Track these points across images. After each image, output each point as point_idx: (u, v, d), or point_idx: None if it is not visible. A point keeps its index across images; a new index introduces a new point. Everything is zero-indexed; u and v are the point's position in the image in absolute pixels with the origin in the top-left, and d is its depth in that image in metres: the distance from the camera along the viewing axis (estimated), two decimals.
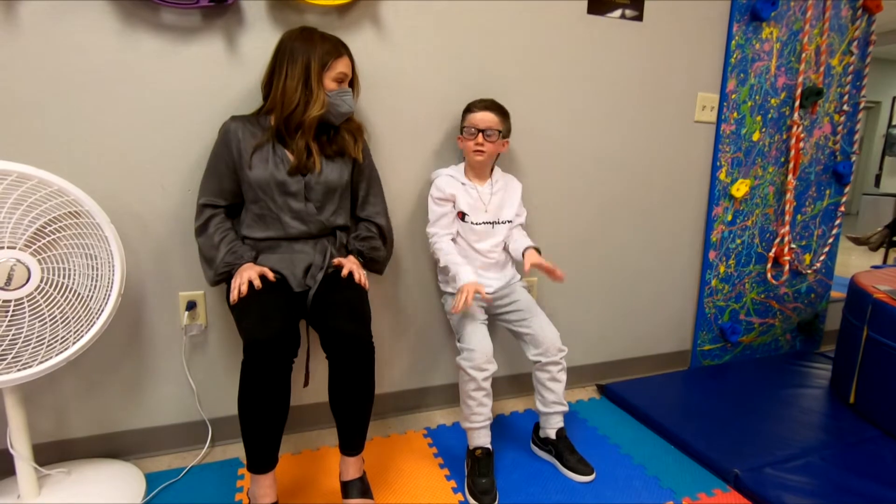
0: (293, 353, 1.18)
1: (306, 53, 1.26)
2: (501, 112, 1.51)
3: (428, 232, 1.54)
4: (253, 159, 1.28)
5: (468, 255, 1.53)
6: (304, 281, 1.32)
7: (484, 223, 1.54)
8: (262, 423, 1.16)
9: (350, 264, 1.33)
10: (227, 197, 1.34)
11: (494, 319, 1.61)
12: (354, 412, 1.25)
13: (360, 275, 1.32)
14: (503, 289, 1.57)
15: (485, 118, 1.48)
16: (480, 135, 1.47)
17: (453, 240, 1.53)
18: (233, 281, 1.24)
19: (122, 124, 1.33)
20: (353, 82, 1.37)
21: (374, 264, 1.44)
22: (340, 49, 1.31)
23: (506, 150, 1.59)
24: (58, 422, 1.42)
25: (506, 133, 1.53)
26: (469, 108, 1.53)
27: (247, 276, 1.22)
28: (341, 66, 1.30)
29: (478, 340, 1.39)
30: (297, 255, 1.33)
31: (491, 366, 1.39)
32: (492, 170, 1.59)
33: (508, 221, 1.58)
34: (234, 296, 1.20)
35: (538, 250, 1.52)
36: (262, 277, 1.23)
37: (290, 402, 1.19)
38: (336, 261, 1.34)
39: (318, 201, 1.34)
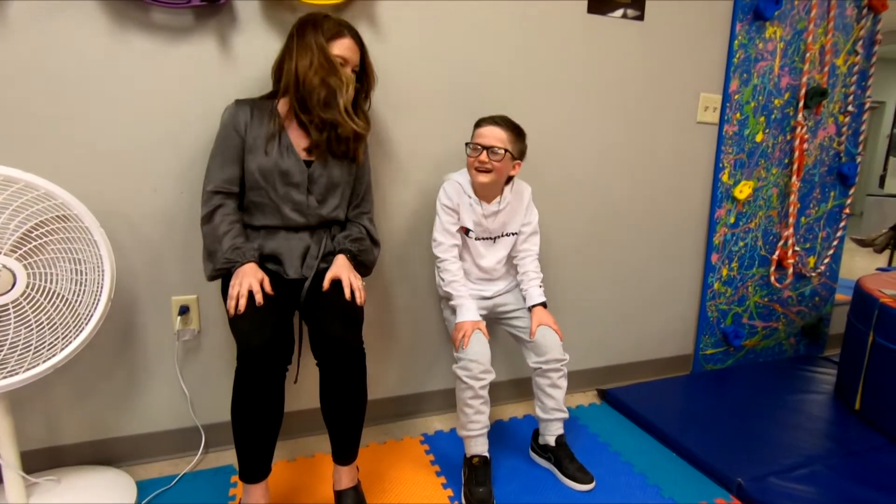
0: (287, 359, 1.16)
1: (315, 31, 1.22)
2: (513, 129, 1.39)
3: (434, 238, 1.47)
4: (260, 144, 1.24)
5: (470, 271, 1.50)
6: (300, 269, 1.28)
7: (485, 238, 1.50)
8: (256, 431, 1.13)
9: (349, 278, 1.22)
10: (237, 183, 1.27)
11: (496, 323, 1.58)
12: (346, 420, 1.22)
13: (360, 295, 1.22)
14: (505, 293, 1.55)
15: (491, 133, 1.36)
16: (485, 152, 1.36)
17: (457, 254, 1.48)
18: (231, 284, 1.16)
19: (113, 126, 1.31)
20: (364, 76, 1.31)
21: (362, 267, 1.35)
22: (343, 30, 1.24)
23: (516, 173, 1.45)
24: (48, 428, 1.40)
25: (517, 154, 1.41)
26: (477, 123, 1.42)
27: (247, 284, 1.13)
28: (339, 49, 1.23)
29: (475, 350, 1.35)
30: (293, 242, 1.29)
31: (488, 375, 1.36)
32: (502, 189, 1.47)
33: (513, 234, 1.52)
34: (230, 305, 1.13)
35: (545, 304, 1.49)
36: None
37: (283, 410, 1.17)
38: (333, 275, 1.23)
39: (320, 195, 1.30)
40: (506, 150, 1.36)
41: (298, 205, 1.28)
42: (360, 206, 1.40)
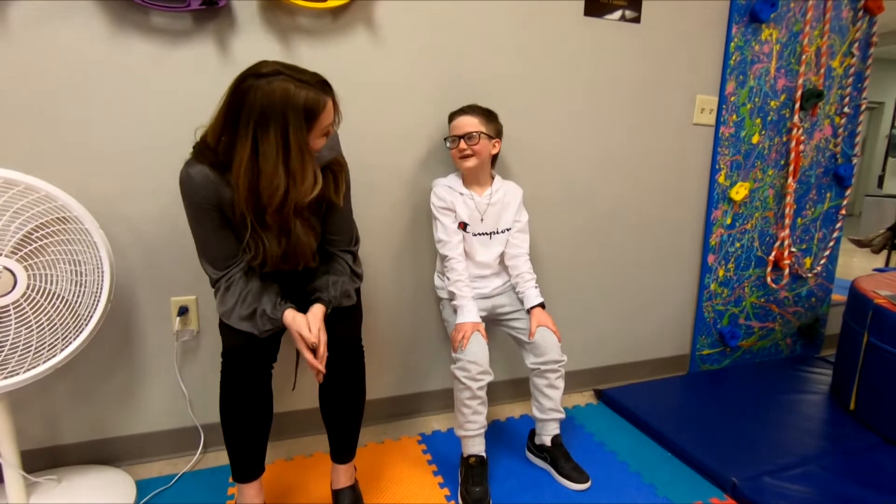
0: (271, 358, 1.17)
1: (283, 115, 0.97)
2: (482, 114, 1.47)
3: (440, 240, 1.49)
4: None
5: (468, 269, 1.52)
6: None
7: (482, 234, 1.52)
8: (244, 430, 1.14)
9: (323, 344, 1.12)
10: (236, 250, 1.13)
11: (496, 324, 1.59)
12: (345, 418, 1.24)
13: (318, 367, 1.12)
14: (501, 294, 1.56)
15: (464, 122, 1.46)
16: (461, 141, 1.45)
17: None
18: (297, 339, 1.10)
19: (112, 128, 1.32)
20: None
21: (346, 299, 1.21)
22: (321, 95, 1.02)
23: (497, 150, 1.52)
24: (49, 427, 1.41)
25: (493, 134, 1.48)
26: (450, 118, 1.52)
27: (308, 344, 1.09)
28: (328, 118, 1.04)
29: (474, 351, 1.37)
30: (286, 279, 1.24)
31: (486, 376, 1.37)
32: (492, 178, 1.55)
33: (507, 230, 1.55)
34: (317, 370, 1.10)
35: (543, 305, 1.51)
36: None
37: (272, 409, 1.18)
38: (319, 354, 1.12)
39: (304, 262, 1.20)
40: (480, 133, 1.45)
41: (285, 274, 1.19)
42: (335, 241, 1.24)
